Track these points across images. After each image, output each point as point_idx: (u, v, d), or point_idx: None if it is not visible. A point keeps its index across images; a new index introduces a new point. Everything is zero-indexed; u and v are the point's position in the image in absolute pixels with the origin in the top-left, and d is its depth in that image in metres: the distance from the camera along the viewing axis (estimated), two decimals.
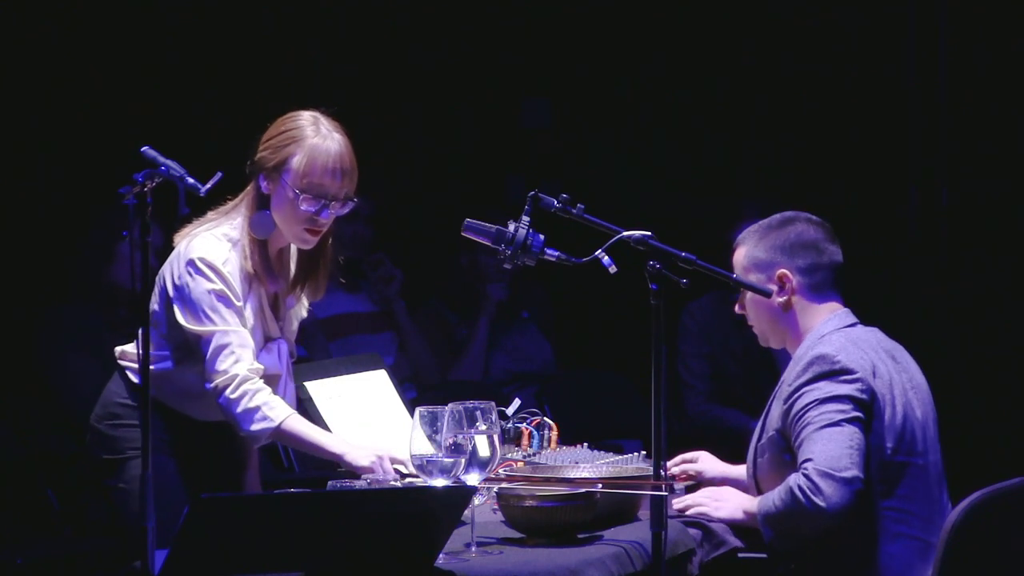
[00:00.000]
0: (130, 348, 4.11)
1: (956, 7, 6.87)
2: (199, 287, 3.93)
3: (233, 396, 3.89)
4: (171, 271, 3.97)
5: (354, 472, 3.89)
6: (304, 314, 4.25)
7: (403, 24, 7.30)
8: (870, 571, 3.70)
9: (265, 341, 4.08)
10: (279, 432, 3.91)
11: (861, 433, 3.67)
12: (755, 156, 7.23)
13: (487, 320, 6.54)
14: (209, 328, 3.92)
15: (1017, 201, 6.77)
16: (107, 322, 5.41)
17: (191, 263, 3.94)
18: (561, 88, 7.54)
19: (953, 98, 6.90)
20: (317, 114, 4.03)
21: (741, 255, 3.93)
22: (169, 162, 3.40)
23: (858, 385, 3.70)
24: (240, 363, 3.91)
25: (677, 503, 3.90)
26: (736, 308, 4.01)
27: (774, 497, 3.70)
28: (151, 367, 4.00)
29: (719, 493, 3.89)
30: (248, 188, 4.05)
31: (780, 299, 3.87)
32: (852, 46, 7.03)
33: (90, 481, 4.17)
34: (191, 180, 3.38)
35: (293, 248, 4.13)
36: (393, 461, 3.92)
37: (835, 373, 3.72)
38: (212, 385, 3.91)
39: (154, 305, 4.02)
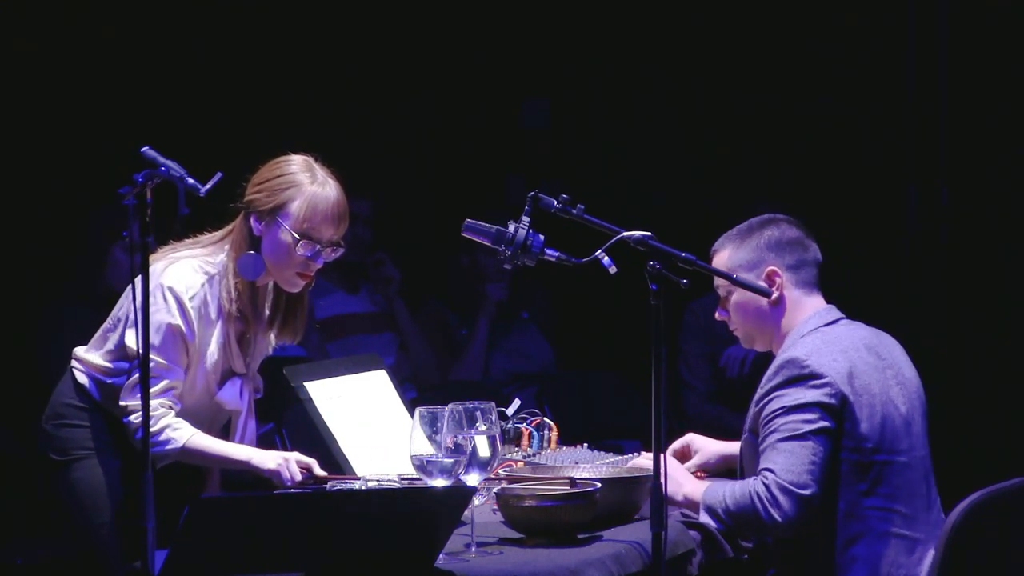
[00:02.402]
0: (82, 351, 4.13)
1: (956, 7, 6.87)
2: (158, 315, 3.95)
3: (138, 422, 3.92)
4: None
5: (262, 476, 3.94)
6: (270, 351, 4.28)
7: (403, 24, 7.30)
8: (859, 570, 3.70)
9: (226, 376, 4.12)
10: (185, 451, 3.97)
11: (824, 445, 3.68)
12: (755, 156, 7.23)
13: (487, 320, 6.53)
14: (150, 355, 3.93)
15: (1017, 201, 6.77)
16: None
17: (160, 288, 3.96)
18: (561, 88, 7.54)
19: (953, 98, 6.90)
20: (309, 159, 4.08)
21: (724, 258, 3.92)
22: (169, 162, 3.40)
23: (827, 390, 3.70)
24: (160, 400, 3.96)
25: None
26: (717, 315, 4.00)
27: (726, 492, 3.72)
28: (109, 380, 4.05)
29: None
30: (234, 226, 4.08)
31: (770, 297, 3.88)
32: (852, 46, 7.03)
33: (40, 481, 4.21)
34: (191, 180, 3.38)
35: (268, 287, 4.15)
36: (300, 463, 3.95)
37: (804, 378, 3.72)
38: (123, 403, 3.98)
39: (119, 314, 4.07)
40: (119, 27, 6.57)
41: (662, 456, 3.44)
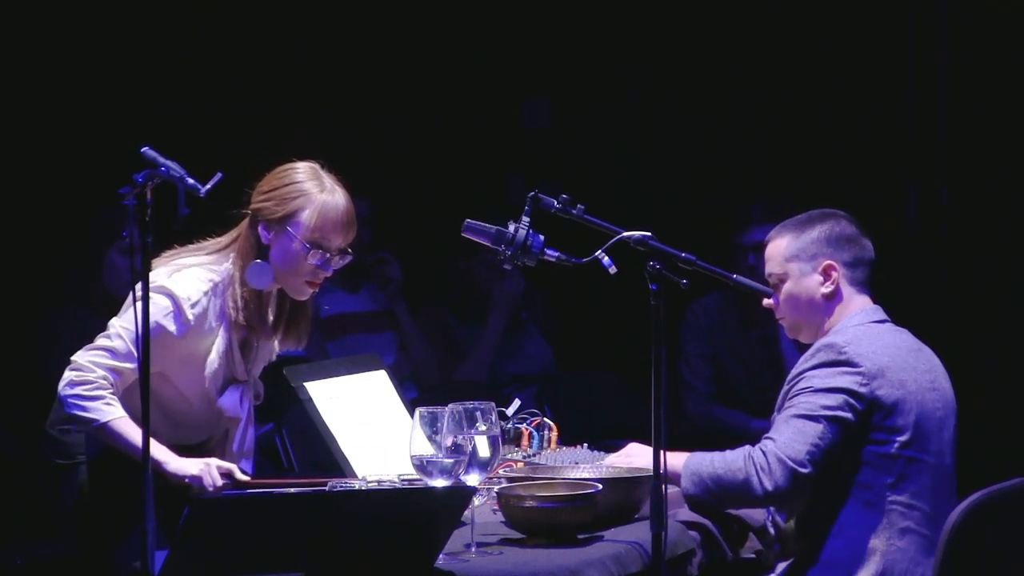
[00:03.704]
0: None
1: (956, 7, 6.87)
2: (153, 307, 3.87)
3: (77, 379, 3.91)
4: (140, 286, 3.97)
5: (176, 483, 3.90)
6: (274, 357, 4.27)
7: (404, 24, 7.30)
8: (876, 563, 3.70)
9: (227, 383, 4.10)
10: (104, 428, 3.91)
11: (834, 433, 3.69)
12: (755, 156, 7.23)
13: (502, 318, 6.50)
14: (122, 333, 3.93)
15: (1017, 201, 6.77)
16: (106, 324, 5.40)
17: (160, 289, 3.94)
18: (561, 88, 7.54)
19: (953, 98, 6.90)
20: (315, 166, 4.07)
21: (782, 246, 3.93)
22: (169, 163, 3.40)
23: (858, 379, 3.72)
24: (103, 371, 3.93)
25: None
26: (765, 302, 4.00)
27: (715, 457, 3.74)
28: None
29: (635, 449, 3.96)
30: (239, 233, 4.07)
31: (826, 290, 3.89)
32: (852, 46, 7.03)
33: (44, 486, 4.19)
34: (191, 181, 3.38)
35: (272, 293, 4.14)
36: (220, 468, 3.93)
37: (838, 363, 3.74)
38: (72, 360, 3.94)
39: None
40: (119, 26, 6.56)
41: (662, 455, 3.45)
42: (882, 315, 3.91)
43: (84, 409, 3.92)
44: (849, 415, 3.71)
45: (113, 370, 3.94)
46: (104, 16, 6.50)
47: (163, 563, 3.07)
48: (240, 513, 3.11)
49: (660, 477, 3.44)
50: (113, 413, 3.91)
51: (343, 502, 3.30)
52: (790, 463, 3.66)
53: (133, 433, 3.90)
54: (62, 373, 4.14)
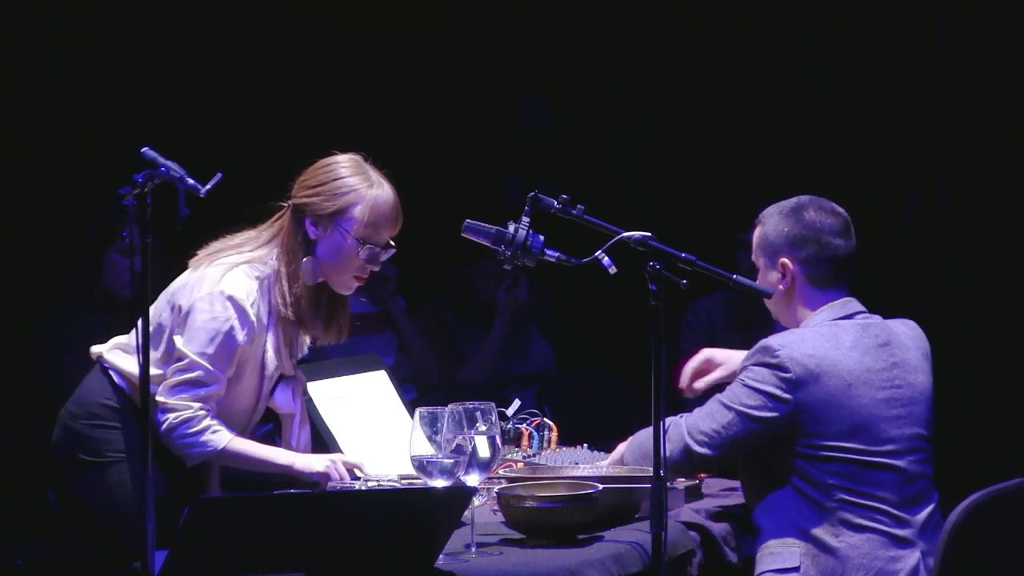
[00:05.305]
0: (106, 351, 4.08)
1: (956, 7, 6.87)
2: (213, 323, 3.91)
3: (177, 421, 3.90)
4: (190, 293, 3.95)
5: (308, 481, 3.92)
6: (305, 351, 4.25)
7: (404, 24, 7.30)
8: (827, 557, 3.70)
9: (277, 381, 4.10)
10: (223, 453, 3.94)
11: (743, 427, 3.76)
12: (755, 156, 7.23)
13: (506, 322, 6.50)
14: (200, 361, 3.91)
15: (1017, 201, 6.77)
16: (105, 324, 5.41)
17: (219, 295, 3.91)
18: (561, 88, 7.54)
19: (953, 98, 6.90)
20: (357, 158, 4.05)
21: (757, 235, 3.97)
22: (169, 163, 3.40)
23: (783, 385, 3.74)
24: (198, 403, 3.92)
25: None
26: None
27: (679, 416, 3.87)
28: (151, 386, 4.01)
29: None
30: (281, 228, 4.02)
31: (783, 287, 3.90)
32: (852, 46, 7.03)
33: (53, 479, 4.16)
34: (191, 181, 3.38)
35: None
36: (346, 464, 3.94)
37: (769, 365, 3.77)
38: (160, 399, 3.92)
39: (161, 319, 4.00)
40: (119, 27, 6.56)
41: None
42: (852, 308, 3.89)
43: (196, 446, 3.92)
44: (766, 415, 3.74)
45: (203, 399, 3.93)
46: (104, 16, 6.50)
47: (163, 563, 3.07)
48: (240, 513, 3.11)
49: (660, 477, 3.44)
50: (225, 437, 3.93)
51: (343, 502, 3.30)
52: (687, 438, 3.78)
53: (250, 448, 3.98)
54: (62, 375, 4.12)
